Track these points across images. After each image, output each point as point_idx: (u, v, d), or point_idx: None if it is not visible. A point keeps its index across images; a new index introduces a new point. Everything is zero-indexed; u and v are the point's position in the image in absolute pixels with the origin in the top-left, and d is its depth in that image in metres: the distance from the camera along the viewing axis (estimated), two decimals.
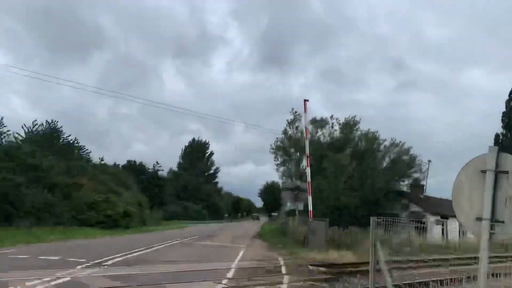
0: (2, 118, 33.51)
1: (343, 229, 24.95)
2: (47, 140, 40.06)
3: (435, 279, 10.22)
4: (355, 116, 40.79)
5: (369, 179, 34.90)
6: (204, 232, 36.57)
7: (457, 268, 12.24)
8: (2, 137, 35.47)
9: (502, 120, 44.38)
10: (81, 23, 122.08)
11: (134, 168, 65.61)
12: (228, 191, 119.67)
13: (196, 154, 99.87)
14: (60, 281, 9.31)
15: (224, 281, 10.51)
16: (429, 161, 44.19)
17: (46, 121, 43.07)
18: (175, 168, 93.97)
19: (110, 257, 14.37)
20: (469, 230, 4.49)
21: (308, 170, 24.98)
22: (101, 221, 32.67)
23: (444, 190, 63.82)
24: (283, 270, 13.77)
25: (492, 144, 14.73)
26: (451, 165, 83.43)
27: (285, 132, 41.65)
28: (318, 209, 27.04)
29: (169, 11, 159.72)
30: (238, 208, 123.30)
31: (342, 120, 40.99)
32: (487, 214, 3.96)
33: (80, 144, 46.91)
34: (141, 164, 68.98)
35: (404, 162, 38.66)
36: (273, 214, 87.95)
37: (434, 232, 30.39)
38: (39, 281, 9.03)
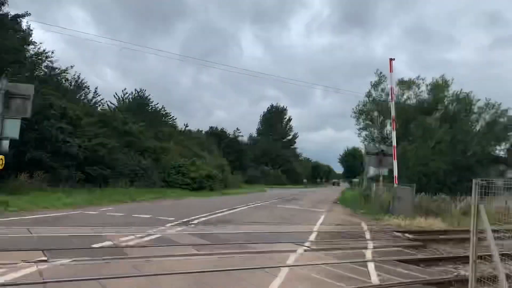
0: (96, 88, 36.24)
1: (431, 196, 23.59)
2: (137, 107, 42.57)
3: None
4: (443, 75, 37.72)
5: (461, 143, 32.40)
6: (284, 196, 36.96)
7: None
8: (97, 105, 38.51)
9: None
10: None
11: (216, 134, 67.94)
12: (307, 157, 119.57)
13: (275, 120, 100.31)
14: (152, 237, 9.87)
15: (307, 244, 10.42)
16: None
17: (135, 89, 45.67)
18: (254, 134, 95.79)
19: (196, 216, 15.03)
20: None
21: (393, 134, 23.68)
22: (187, 183, 34.58)
23: None
24: (367, 235, 13.35)
25: None
26: None
27: (368, 94, 39.93)
28: (404, 175, 25.77)
29: None
30: (316, 174, 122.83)
31: (430, 81, 38.19)
32: None
33: (166, 112, 49.23)
34: (222, 130, 71.25)
35: (502, 124, 35.19)
36: (353, 180, 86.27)
37: None
38: (132, 236, 9.65)
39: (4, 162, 14.08)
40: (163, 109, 48.34)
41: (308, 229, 13.58)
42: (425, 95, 38.19)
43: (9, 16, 22.57)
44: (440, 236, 14.44)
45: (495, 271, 5.21)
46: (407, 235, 14.00)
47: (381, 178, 23.95)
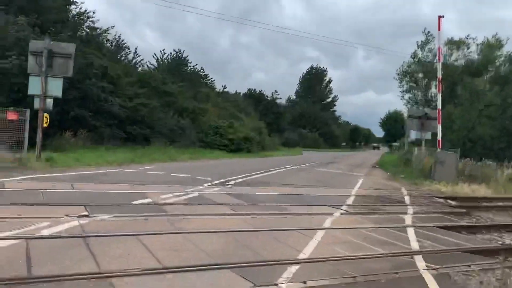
0: (136, 48, 36.54)
1: (476, 161, 22.61)
2: (175, 68, 42.78)
3: None
4: (496, 34, 35.16)
5: None
6: (321, 159, 36.68)
7: None
8: (137, 65, 38.97)
9: None
10: None
11: (254, 96, 67.69)
12: (346, 120, 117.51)
13: (314, 82, 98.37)
14: (190, 196, 10.02)
15: (344, 207, 10.26)
16: None
17: (174, 50, 45.79)
18: (293, 96, 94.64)
19: (233, 177, 15.15)
20: None
21: (439, 96, 22.54)
22: (225, 145, 34.92)
23: None
24: (407, 200, 13.01)
25: None
26: None
27: (414, 55, 38.17)
28: (448, 139, 24.75)
29: None
30: (356, 137, 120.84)
31: (481, 41, 35.76)
32: None
33: (204, 73, 49.24)
34: (260, 93, 70.81)
35: None
36: (394, 144, 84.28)
37: None
38: (171, 195, 9.83)
39: (49, 120, 14.60)
40: (201, 71, 48.41)
41: (345, 193, 13.39)
42: (474, 56, 35.98)
43: None
44: (484, 204, 13.87)
45: None
46: (449, 201, 13.53)
47: (423, 143, 23.10)
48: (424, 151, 22.95)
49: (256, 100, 65.72)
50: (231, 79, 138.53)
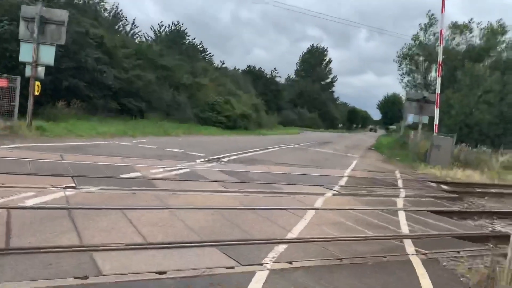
0: (134, 20, 35.82)
1: (471, 147, 22.60)
2: (173, 41, 42.06)
3: None
4: (500, 19, 34.68)
5: None
6: (317, 139, 36.56)
7: None
8: (135, 37, 38.30)
9: None
10: None
11: (252, 73, 66.80)
12: (344, 101, 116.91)
13: (314, 61, 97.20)
14: (181, 171, 9.88)
15: (336, 188, 10.18)
16: None
17: (172, 22, 45.00)
18: (292, 75, 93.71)
19: (227, 154, 15.01)
20: None
21: (438, 80, 22.29)
22: (221, 122, 34.59)
23: None
24: (400, 183, 12.97)
25: None
26: None
27: (415, 37, 37.59)
28: (445, 124, 24.64)
29: None
30: (353, 119, 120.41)
31: (485, 26, 35.26)
32: None
33: (203, 48, 48.49)
34: (259, 70, 69.85)
35: None
36: (391, 127, 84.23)
37: None
38: (162, 169, 9.68)
39: (40, 89, 14.30)
40: (200, 45, 47.64)
41: (339, 174, 13.32)
42: (476, 41, 35.53)
43: None
44: (477, 190, 13.87)
45: None
46: (442, 186, 13.52)
47: (419, 126, 22.98)
48: (421, 135, 22.88)
49: (255, 77, 64.92)
50: (230, 55, 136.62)
